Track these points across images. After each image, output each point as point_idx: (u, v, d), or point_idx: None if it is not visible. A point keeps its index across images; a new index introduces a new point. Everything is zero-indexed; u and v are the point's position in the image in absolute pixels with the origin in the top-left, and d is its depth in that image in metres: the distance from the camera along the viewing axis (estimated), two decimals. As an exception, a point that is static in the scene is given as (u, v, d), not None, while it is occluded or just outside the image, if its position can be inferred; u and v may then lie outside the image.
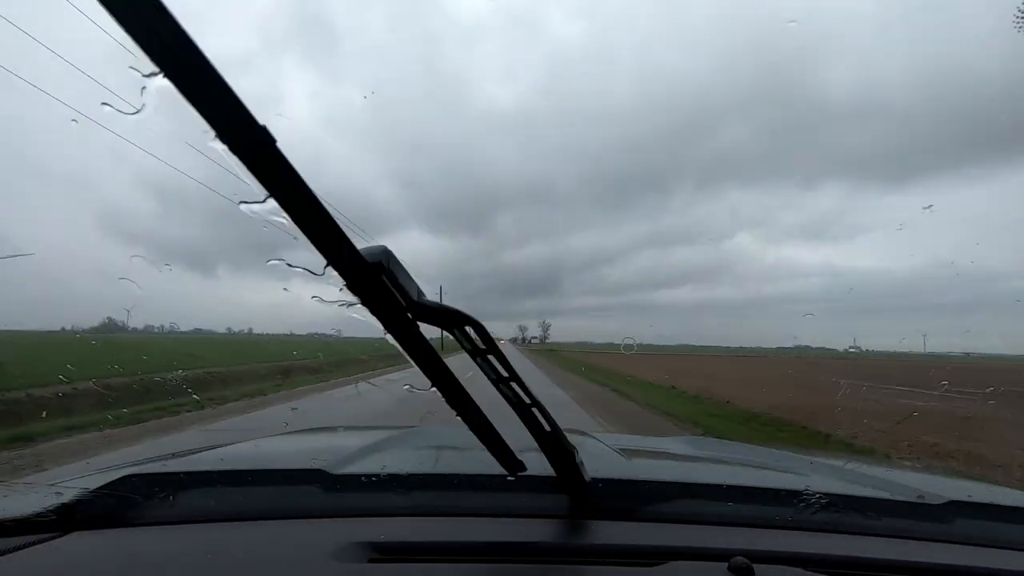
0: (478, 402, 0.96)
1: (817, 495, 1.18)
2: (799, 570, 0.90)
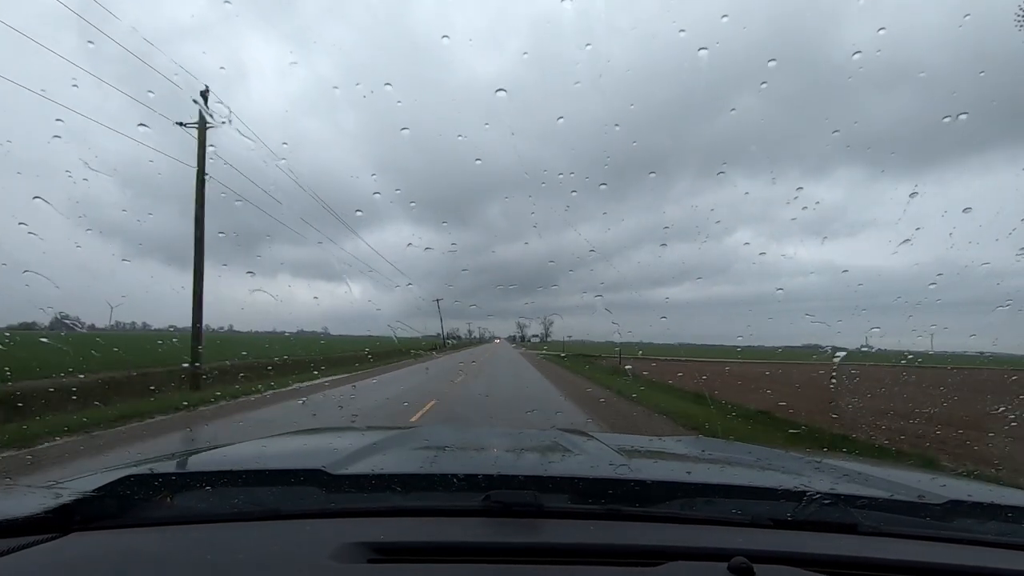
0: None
1: (817, 495, 1.18)
2: (799, 570, 0.90)
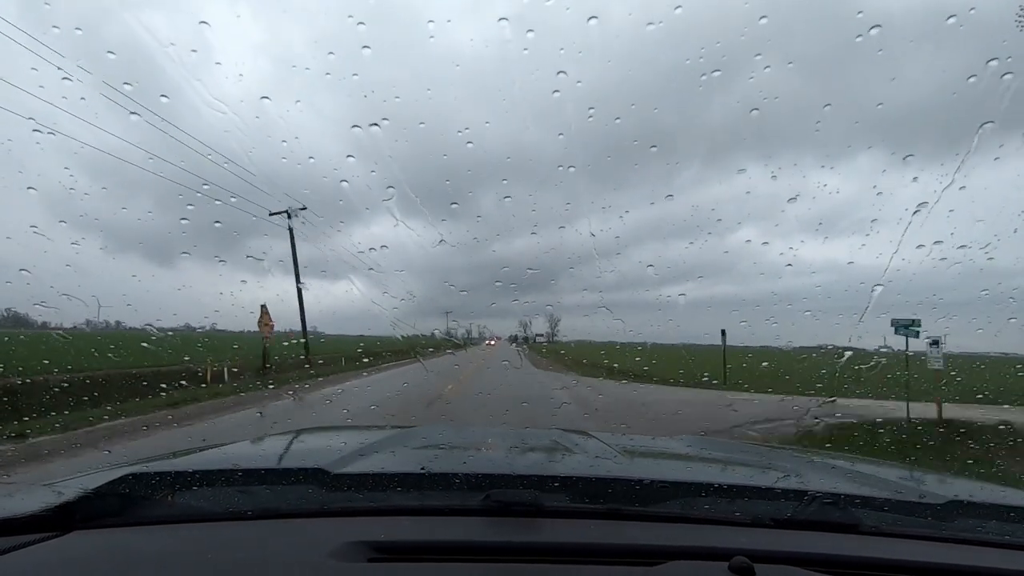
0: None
1: (818, 494, 1.18)
2: (800, 570, 0.90)
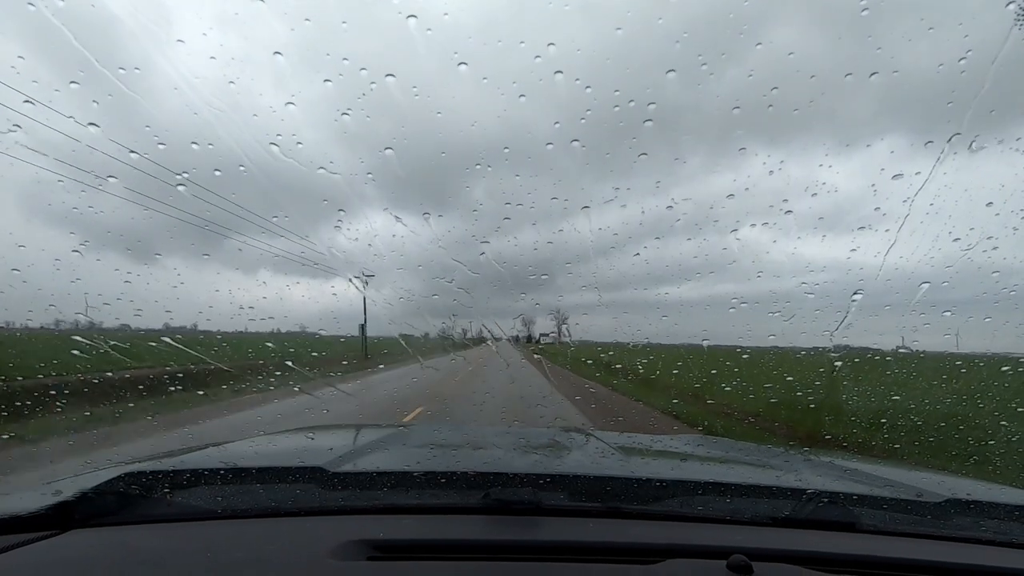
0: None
1: (816, 493, 1.18)
2: (798, 568, 0.90)
